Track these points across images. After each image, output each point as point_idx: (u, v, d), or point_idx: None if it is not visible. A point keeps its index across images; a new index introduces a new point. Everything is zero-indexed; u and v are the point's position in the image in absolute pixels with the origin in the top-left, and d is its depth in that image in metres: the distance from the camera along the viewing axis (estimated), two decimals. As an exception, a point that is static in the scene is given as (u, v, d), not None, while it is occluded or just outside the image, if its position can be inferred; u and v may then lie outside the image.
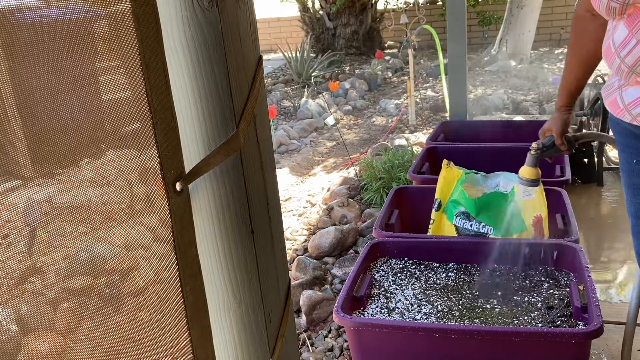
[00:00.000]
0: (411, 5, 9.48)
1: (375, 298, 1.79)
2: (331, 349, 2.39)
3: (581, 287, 1.68)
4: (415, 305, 1.73)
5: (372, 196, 3.70)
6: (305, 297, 2.60)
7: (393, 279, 1.89)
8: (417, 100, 6.28)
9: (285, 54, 8.14)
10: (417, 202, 2.49)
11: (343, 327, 2.37)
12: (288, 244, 3.37)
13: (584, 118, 4.21)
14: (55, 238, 0.68)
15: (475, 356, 1.56)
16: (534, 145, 1.90)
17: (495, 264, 1.93)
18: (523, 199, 2.02)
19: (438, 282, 1.87)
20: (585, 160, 3.78)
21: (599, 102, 3.67)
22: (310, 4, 10.12)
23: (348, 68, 8.86)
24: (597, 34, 1.68)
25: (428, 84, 7.55)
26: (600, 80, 4.09)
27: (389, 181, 3.71)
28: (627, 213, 1.69)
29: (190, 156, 0.88)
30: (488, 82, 7.23)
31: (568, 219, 2.08)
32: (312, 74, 7.96)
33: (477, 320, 1.66)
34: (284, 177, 4.60)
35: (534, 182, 1.91)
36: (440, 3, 10.38)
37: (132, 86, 0.72)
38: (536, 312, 1.67)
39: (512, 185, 2.11)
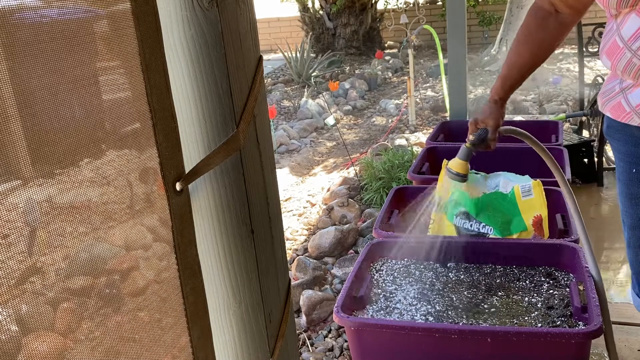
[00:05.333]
0: (411, 5, 9.49)
1: (375, 298, 1.79)
2: (331, 349, 2.39)
3: (581, 287, 1.68)
4: (415, 305, 1.73)
5: (372, 196, 3.70)
6: (305, 297, 2.60)
7: (393, 279, 1.89)
8: (417, 100, 6.28)
9: (285, 54, 8.14)
10: (417, 202, 2.49)
11: (343, 327, 2.37)
12: (288, 244, 3.37)
13: (584, 118, 4.21)
14: (55, 238, 0.68)
15: (475, 356, 1.56)
16: (470, 137, 1.79)
17: (495, 264, 1.93)
18: (523, 199, 2.02)
19: (438, 282, 1.87)
20: (585, 160, 3.78)
21: (599, 102, 3.66)
22: (310, 4, 10.12)
23: (348, 68, 8.85)
24: (556, 32, 1.63)
25: (428, 84, 7.54)
26: (600, 80, 4.08)
27: (389, 181, 3.71)
28: (622, 225, 1.64)
29: (190, 156, 0.88)
30: (488, 82, 7.23)
31: (568, 219, 2.08)
32: (312, 74, 7.96)
33: (477, 320, 1.66)
34: (284, 177, 4.60)
35: (463, 177, 1.81)
36: (440, 3, 10.39)
37: (132, 86, 0.72)
38: (536, 312, 1.67)
39: (512, 185, 2.11)
